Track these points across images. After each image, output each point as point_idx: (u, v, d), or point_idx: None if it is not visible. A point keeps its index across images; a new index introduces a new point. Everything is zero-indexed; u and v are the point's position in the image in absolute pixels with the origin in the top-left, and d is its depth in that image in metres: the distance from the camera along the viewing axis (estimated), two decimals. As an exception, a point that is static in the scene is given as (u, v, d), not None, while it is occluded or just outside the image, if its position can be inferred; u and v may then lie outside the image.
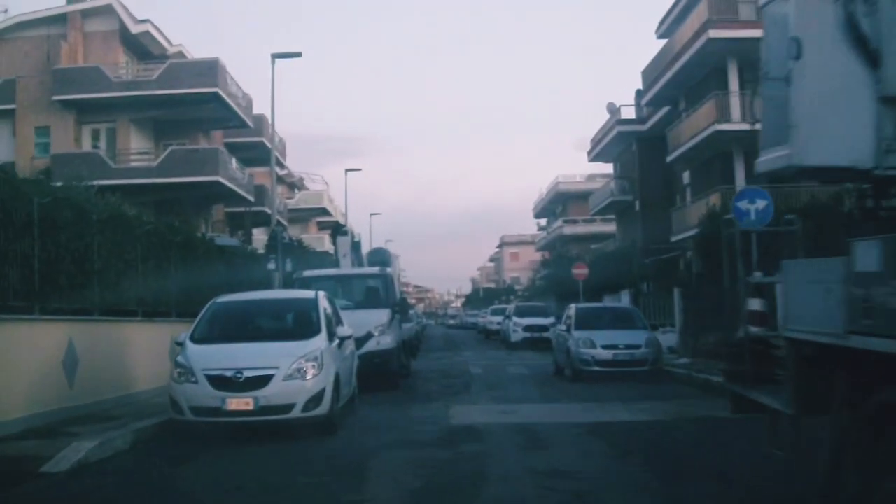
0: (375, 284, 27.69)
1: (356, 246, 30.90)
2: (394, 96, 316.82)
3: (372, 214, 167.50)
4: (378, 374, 24.19)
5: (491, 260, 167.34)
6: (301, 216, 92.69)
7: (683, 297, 36.32)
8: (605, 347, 27.14)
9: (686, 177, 58.09)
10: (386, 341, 25.20)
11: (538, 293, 74.15)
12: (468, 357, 43.26)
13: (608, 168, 78.35)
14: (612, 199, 70.82)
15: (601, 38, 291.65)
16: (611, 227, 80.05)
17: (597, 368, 26.83)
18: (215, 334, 17.04)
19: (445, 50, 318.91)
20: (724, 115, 47.43)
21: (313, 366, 15.84)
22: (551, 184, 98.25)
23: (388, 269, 28.27)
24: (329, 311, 18.35)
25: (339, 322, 19.11)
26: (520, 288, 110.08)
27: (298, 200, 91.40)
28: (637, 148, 67.39)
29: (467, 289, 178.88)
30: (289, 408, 15.46)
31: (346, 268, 29.26)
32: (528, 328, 48.97)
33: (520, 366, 35.46)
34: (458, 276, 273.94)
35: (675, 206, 57.80)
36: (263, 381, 15.39)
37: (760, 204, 21.67)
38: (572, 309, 30.45)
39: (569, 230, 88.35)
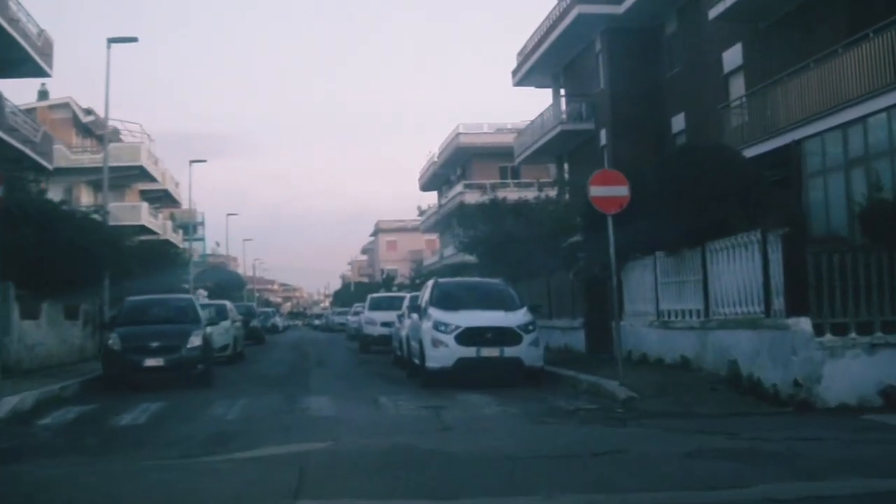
0: None
1: None
2: (261, 95, 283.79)
3: (229, 215, 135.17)
4: None
5: (364, 252, 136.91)
6: (114, 180, 61.40)
7: None
8: None
9: (733, 56, 29.02)
10: None
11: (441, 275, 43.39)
12: (319, 450, 12.62)
13: (524, 115, 49.08)
14: (560, 129, 41.53)
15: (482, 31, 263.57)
16: (531, 193, 50.78)
17: None
18: None
19: (315, 48, 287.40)
20: None
21: None
22: (448, 139, 68.58)
23: None
24: None
25: None
26: (401, 280, 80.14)
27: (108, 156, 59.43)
28: (604, 46, 38.63)
29: (337, 285, 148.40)
30: None
31: None
32: (469, 335, 18.81)
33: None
34: (332, 272, 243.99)
35: (725, 105, 28.58)
36: None
37: None
38: None
39: (472, 198, 58.03)
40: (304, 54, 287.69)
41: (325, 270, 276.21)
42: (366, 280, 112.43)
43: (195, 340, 21.05)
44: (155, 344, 20.66)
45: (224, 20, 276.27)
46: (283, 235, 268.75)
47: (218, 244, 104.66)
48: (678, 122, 34.73)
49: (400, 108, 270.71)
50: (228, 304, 33.90)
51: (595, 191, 17.02)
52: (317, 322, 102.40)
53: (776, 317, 14.63)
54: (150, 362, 20.40)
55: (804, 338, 13.84)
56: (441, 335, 18.96)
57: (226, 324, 30.33)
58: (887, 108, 19.56)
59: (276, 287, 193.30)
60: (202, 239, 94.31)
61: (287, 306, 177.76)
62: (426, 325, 19.58)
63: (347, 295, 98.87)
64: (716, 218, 16.52)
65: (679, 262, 18.59)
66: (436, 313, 19.60)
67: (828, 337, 14.02)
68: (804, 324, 13.90)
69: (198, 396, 18.30)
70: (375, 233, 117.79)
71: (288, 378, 23.64)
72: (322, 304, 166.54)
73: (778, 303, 14.66)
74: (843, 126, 21.00)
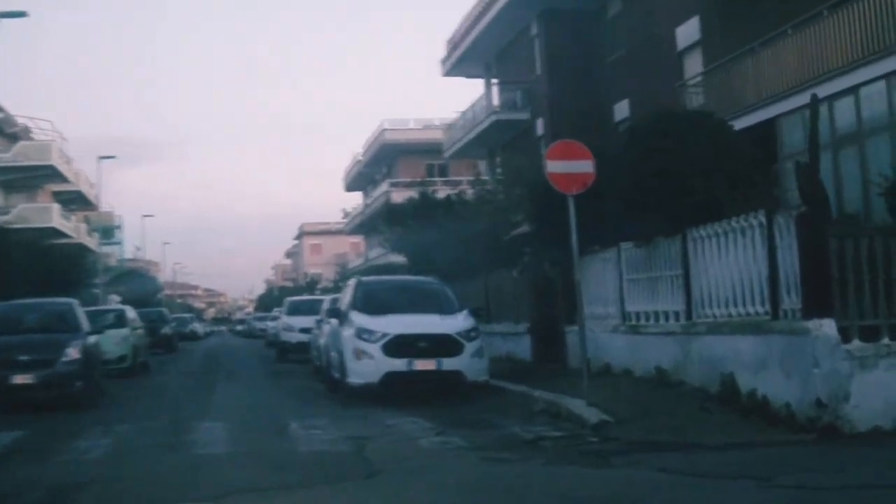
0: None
1: None
2: (183, 100, 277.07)
3: (145, 216, 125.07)
4: None
5: (288, 255, 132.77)
6: (24, 180, 58.29)
7: None
8: None
9: (689, 31, 26.11)
10: None
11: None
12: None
13: (455, 110, 45.58)
14: (493, 118, 38.46)
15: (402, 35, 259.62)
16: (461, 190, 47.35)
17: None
18: None
19: (237, 52, 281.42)
20: None
21: None
22: (373, 136, 65.15)
23: None
24: None
25: None
26: (325, 284, 76.56)
27: (16, 155, 56.09)
28: (540, 30, 35.61)
29: (262, 290, 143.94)
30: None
31: None
32: (399, 345, 15.42)
33: None
34: (257, 277, 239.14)
35: (681, 84, 25.63)
36: None
37: None
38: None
39: (398, 196, 54.52)
40: (227, 58, 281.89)
41: (251, 275, 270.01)
42: (290, 284, 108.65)
43: (73, 353, 17.42)
44: (24, 357, 17.06)
45: (149, 25, 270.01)
46: (208, 240, 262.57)
47: (139, 248, 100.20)
48: (621, 110, 31.77)
49: (327, 108, 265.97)
50: (128, 309, 30.11)
51: (553, 166, 13.75)
52: (239, 328, 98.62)
53: (789, 319, 11.47)
54: (19, 379, 16.78)
55: (829, 345, 10.70)
56: (365, 345, 15.56)
57: (123, 332, 26.56)
58: (886, 76, 16.58)
59: (199, 292, 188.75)
60: (119, 243, 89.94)
61: (211, 312, 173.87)
62: (347, 332, 16.15)
63: (271, 299, 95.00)
64: (703, 199, 13.27)
65: (651, 255, 15.34)
66: (359, 318, 16.17)
67: (856, 343, 10.91)
68: (828, 327, 10.76)
69: (69, 422, 14.78)
70: (300, 236, 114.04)
71: (187, 395, 20.06)
72: (246, 310, 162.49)
73: (790, 301, 11.51)
74: (829, 99, 18.01)
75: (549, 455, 10.46)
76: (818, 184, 11.36)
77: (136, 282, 68.61)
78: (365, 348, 15.54)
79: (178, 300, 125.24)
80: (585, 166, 13.73)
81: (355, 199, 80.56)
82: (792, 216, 11.32)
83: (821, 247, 10.98)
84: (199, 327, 78.71)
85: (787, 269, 11.53)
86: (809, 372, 10.81)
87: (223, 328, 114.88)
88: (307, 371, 24.78)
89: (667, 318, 14.85)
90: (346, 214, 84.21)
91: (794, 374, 11.11)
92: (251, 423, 14.45)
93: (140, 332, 29.19)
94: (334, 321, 17.97)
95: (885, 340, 11.00)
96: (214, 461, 10.84)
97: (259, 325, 66.21)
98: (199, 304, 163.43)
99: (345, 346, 16.06)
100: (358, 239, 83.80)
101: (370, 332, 15.68)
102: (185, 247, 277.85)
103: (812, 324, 10.84)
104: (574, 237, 13.68)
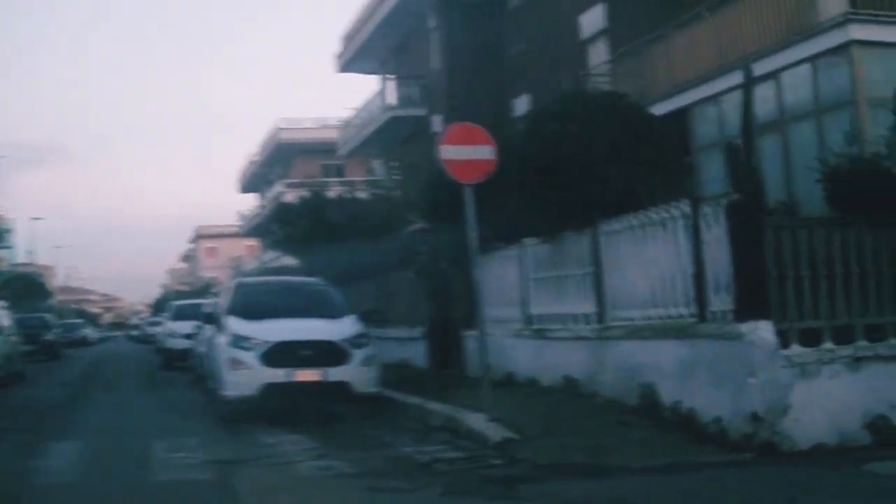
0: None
1: None
2: (79, 103, 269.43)
3: (34, 219, 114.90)
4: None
5: (185, 259, 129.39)
6: None
7: None
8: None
9: (593, 18, 24.82)
10: None
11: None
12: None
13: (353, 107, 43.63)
14: (390, 115, 36.84)
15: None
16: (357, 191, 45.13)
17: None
18: None
19: (132, 56, 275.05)
20: None
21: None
22: (268, 136, 63.01)
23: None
24: None
25: None
26: (220, 288, 74.00)
27: None
28: (438, 22, 34.18)
29: (158, 295, 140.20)
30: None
31: None
32: (280, 353, 13.50)
33: None
34: (155, 281, 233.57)
35: (585, 74, 24.20)
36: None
37: None
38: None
39: (293, 197, 52.37)
40: (121, 59, 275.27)
41: (148, 280, 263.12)
42: (186, 288, 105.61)
43: None
44: None
45: (39, 24, 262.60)
46: (105, 245, 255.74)
47: (30, 252, 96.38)
48: (521, 105, 30.30)
49: (222, 108, 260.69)
50: (-1, 315, 27.72)
51: (449, 151, 12.10)
52: (134, 333, 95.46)
53: (719, 321, 9.99)
54: None
55: (765, 351, 9.26)
56: (241, 353, 13.64)
57: (-8, 339, 24.32)
58: (812, 58, 15.29)
59: (96, 297, 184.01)
60: (10, 247, 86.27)
61: (109, 317, 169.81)
62: (222, 339, 14.24)
63: (166, 304, 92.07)
64: (616, 188, 11.70)
65: (558, 252, 13.76)
66: (235, 324, 14.25)
67: (796, 349, 9.51)
68: (764, 331, 9.32)
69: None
70: (195, 239, 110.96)
71: (54, 409, 17.90)
72: (142, 315, 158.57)
73: (719, 301, 10.03)
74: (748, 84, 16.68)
75: (446, 482, 8.81)
76: (751, 169, 9.90)
77: (23, 287, 65.46)
78: (241, 357, 13.67)
79: (74, 305, 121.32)
80: (485, 152, 12.11)
81: (252, 201, 78.32)
82: (721, 205, 9.84)
83: (755, 239, 9.53)
84: (90, 333, 75.80)
85: (715, 265, 10.05)
86: (743, 381, 9.36)
87: (119, 333, 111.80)
88: (190, 380, 22.82)
89: (576, 321, 13.30)
90: (242, 217, 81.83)
91: (725, 385, 9.63)
92: (112, 443, 12.52)
93: (13, 339, 26.88)
94: (211, 327, 16.12)
95: (829, 345, 9.62)
96: (53, 494, 9.02)
97: (151, 330, 63.72)
98: (95, 310, 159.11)
99: (220, 355, 14.19)
100: (254, 241, 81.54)
101: (247, 339, 13.82)
102: (82, 251, 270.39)
103: (746, 327, 9.39)
104: (472, 232, 12.06)
